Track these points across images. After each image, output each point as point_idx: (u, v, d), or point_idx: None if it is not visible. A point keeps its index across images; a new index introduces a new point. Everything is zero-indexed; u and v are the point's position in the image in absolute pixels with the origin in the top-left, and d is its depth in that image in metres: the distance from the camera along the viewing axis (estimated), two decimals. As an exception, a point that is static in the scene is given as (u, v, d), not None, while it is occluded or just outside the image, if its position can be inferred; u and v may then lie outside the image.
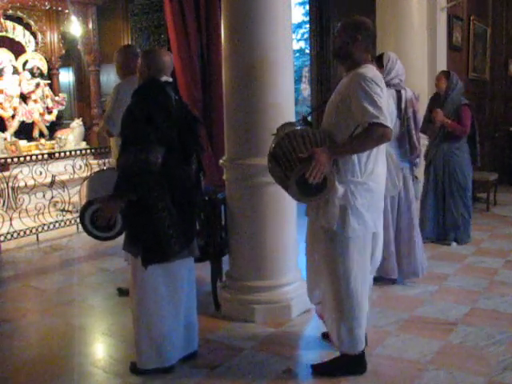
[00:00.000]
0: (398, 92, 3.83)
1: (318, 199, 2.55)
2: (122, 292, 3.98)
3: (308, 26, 8.76)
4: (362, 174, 2.54)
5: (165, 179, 2.62)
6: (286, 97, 3.40)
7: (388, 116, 2.42)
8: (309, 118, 2.80)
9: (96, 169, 6.20)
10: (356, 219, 2.53)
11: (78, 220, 2.72)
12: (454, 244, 5.07)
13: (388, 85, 3.96)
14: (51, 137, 8.20)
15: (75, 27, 7.99)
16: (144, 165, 2.50)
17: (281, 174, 2.52)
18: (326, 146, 2.46)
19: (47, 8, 7.78)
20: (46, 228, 5.74)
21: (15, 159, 5.79)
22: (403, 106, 3.80)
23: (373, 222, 2.60)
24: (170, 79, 2.77)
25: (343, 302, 2.64)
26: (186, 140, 2.73)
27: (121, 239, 2.84)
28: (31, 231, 5.61)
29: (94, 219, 2.67)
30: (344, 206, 2.53)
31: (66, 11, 7.97)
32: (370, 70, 2.52)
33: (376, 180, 2.58)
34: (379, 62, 3.97)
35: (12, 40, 8.08)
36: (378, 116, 2.37)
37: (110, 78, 8.50)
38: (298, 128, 2.57)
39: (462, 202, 5.06)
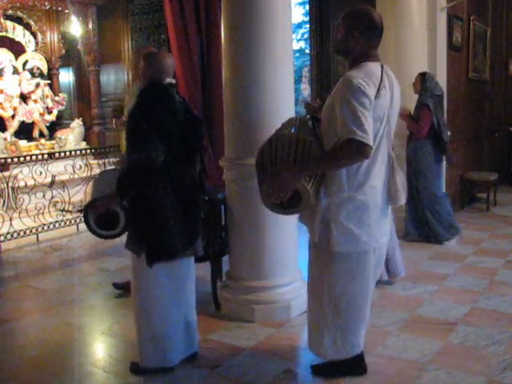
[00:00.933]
0: None
1: (292, 213, 2.47)
2: (118, 287, 3.99)
3: (308, 25, 8.75)
4: (350, 186, 2.36)
5: (169, 179, 2.63)
6: (285, 97, 3.40)
7: (371, 131, 2.19)
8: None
9: (96, 169, 6.21)
10: (342, 234, 2.39)
11: (82, 218, 2.72)
12: (446, 243, 5.10)
13: None
14: (51, 137, 8.20)
15: (75, 27, 7.98)
16: (146, 163, 2.51)
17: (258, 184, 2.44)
18: (302, 160, 2.29)
19: (47, 8, 7.77)
20: (46, 228, 5.74)
21: (15, 159, 5.79)
22: None
23: (369, 238, 2.42)
24: (173, 81, 2.78)
25: (326, 315, 2.56)
26: (190, 140, 2.74)
27: (121, 239, 2.84)
28: (31, 231, 5.60)
29: (98, 218, 2.68)
30: (327, 220, 2.40)
31: (66, 11, 7.96)
32: (362, 72, 2.27)
33: (369, 193, 2.38)
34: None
35: (12, 40, 8.08)
36: (356, 131, 2.15)
37: (109, 77, 8.51)
38: (286, 133, 2.45)
39: (428, 202, 5.08)
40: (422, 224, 5.14)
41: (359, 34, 2.32)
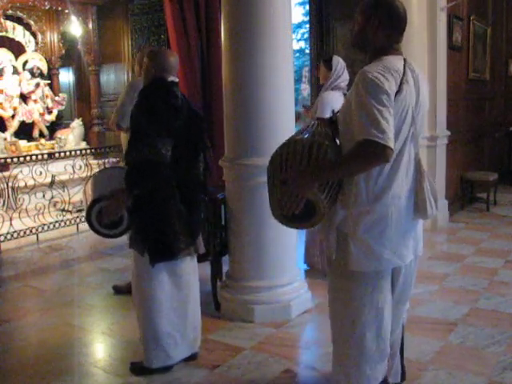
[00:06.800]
0: (345, 95, 3.99)
1: (305, 227, 2.20)
2: (118, 290, 3.99)
3: (308, 25, 8.75)
4: (370, 197, 2.03)
5: (173, 177, 2.63)
6: (286, 97, 3.40)
7: (390, 131, 1.88)
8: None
9: (96, 169, 6.21)
10: (361, 251, 2.05)
11: (85, 218, 2.72)
12: None
13: (338, 88, 4.12)
14: (51, 137, 8.20)
15: (75, 27, 7.99)
16: (155, 157, 2.50)
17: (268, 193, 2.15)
18: (314, 166, 1.99)
19: (47, 8, 7.77)
20: (46, 228, 5.74)
21: (15, 159, 5.79)
22: None
23: (391, 255, 2.07)
24: (177, 79, 2.77)
25: (344, 347, 2.20)
26: (194, 138, 2.74)
27: (121, 239, 2.84)
28: (31, 231, 5.60)
29: (101, 217, 2.67)
30: (344, 235, 2.08)
31: (66, 11, 7.96)
32: (380, 65, 1.98)
33: (390, 203, 2.04)
34: (328, 64, 4.10)
35: (12, 40, 8.08)
36: (372, 131, 1.85)
37: (109, 77, 8.51)
38: (299, 137, 2.14)
39: None
40: None
41: (378, 24, 2.05)
